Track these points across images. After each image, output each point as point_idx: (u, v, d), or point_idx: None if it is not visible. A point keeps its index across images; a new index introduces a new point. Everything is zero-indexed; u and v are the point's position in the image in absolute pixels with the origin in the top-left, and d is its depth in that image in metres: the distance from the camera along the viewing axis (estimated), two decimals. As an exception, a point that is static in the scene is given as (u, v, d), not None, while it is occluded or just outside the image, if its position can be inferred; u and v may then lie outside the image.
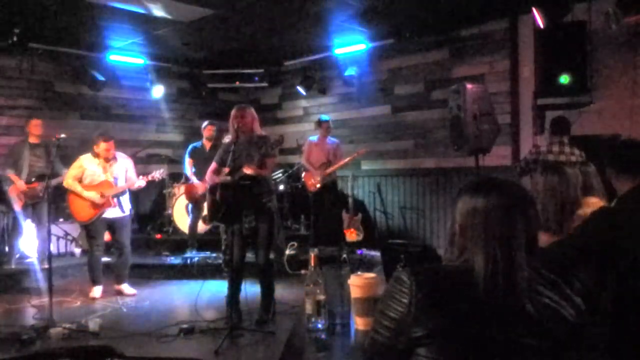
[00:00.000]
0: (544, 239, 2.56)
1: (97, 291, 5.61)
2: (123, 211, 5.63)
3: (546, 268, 1.34)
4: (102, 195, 5.42)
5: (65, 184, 5.51)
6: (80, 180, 5.49)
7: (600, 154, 2.75)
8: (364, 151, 7.40)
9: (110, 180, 5.51)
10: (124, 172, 5.65)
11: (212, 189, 4.65)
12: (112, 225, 5.64)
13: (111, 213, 5.53)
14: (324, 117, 7.53)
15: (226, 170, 4.45)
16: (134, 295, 5.69)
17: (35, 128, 6.51)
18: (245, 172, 4.35)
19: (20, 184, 6.32)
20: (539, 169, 4.26)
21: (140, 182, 5.63)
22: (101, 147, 5.45)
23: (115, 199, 5.52)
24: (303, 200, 7.67)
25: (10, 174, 6.36)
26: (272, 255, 5.00)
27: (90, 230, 5.57)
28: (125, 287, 5.75)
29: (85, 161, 5.54)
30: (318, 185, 7.17)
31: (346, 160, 7.18)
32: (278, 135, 4.72)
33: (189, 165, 7.13)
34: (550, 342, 1.27)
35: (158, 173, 5.77)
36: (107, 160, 5.53)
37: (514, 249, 1.29)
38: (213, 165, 4.73)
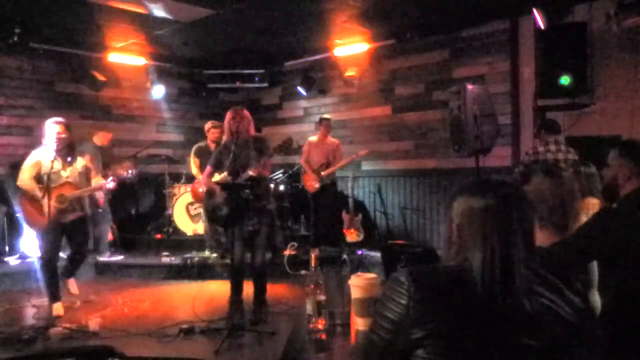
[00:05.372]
0: (541, 236, 2.52)
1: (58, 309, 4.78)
2: (82, 211, 4.91)
3: (546, 269, 1.34)
4: (62, 201, 4.65)
5: (20, 184, 4.70)
6: (38, 181, 4.62)
7: (603, 155, 2.69)
8: (364, 152, 7.39)
9: (72, 181, 4.74)
10: (85, 172, 4.90)
11: (210, 193, 4.65)
12: (67, 229, 4.85)
13: (67, 216, 4.79)
14: (326, 115, 7.54)
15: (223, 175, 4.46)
16: (76, 294, 5.30)
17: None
18: (251, 174, 4.36)
19: None
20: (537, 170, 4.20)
21: (109, 184, 4.88)
22: (52, 130, 4.59)
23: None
24: (303, 200, 7.66)
25: None
26: (268, 255, 5.01)
27: (45, 235, 4.71)
28: (72, 283, 5.27)
29: (40, 154, 4.67)
30: (317, 186, 7.17)
31: (345, 161, 7.18)
32: (286, 137, 4.71)
33: (196, 165, 7.09)
34: (548, 342, 1.27)
35: (127, 172, 5.25)
36: (60, 152, 4.64)
37: (512, 247, 1.29)
38: (208, 169, 4.74)
